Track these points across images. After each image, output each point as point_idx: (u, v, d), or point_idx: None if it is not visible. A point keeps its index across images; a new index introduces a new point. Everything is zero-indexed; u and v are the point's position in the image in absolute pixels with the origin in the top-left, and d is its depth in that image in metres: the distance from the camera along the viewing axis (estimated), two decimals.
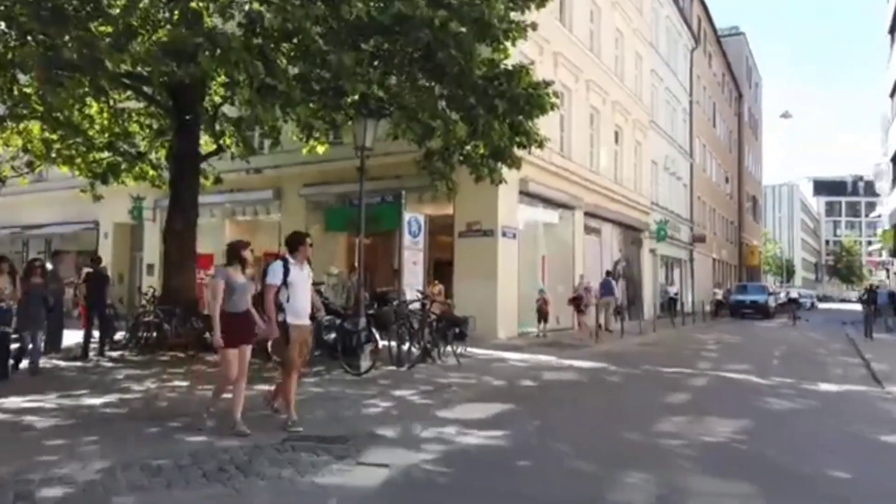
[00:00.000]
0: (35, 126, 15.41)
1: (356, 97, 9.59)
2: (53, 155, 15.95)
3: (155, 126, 16.21)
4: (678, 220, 31.83)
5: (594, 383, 9.97)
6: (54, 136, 15.17)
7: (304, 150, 15.74)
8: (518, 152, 12.59)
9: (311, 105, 8.99)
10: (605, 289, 17.93)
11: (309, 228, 18.64)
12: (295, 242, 6.20)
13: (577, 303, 16.65)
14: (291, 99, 8.75)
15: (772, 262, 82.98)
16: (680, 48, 33.59)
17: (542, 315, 16.41)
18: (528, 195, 17.14)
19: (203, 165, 15.87)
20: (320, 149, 15.58)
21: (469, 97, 10.35)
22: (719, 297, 32.40)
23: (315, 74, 9.21)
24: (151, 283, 19.00)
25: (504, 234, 15.89)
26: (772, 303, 34.17)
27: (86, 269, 12.33)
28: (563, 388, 9.51)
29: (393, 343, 10.23)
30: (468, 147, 12.67)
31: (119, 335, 13.78)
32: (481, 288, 15.16)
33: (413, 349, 10.43)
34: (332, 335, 10.55)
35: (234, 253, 6.07)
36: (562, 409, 7.86)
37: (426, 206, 14.85)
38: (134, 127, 16.48)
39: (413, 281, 11.41)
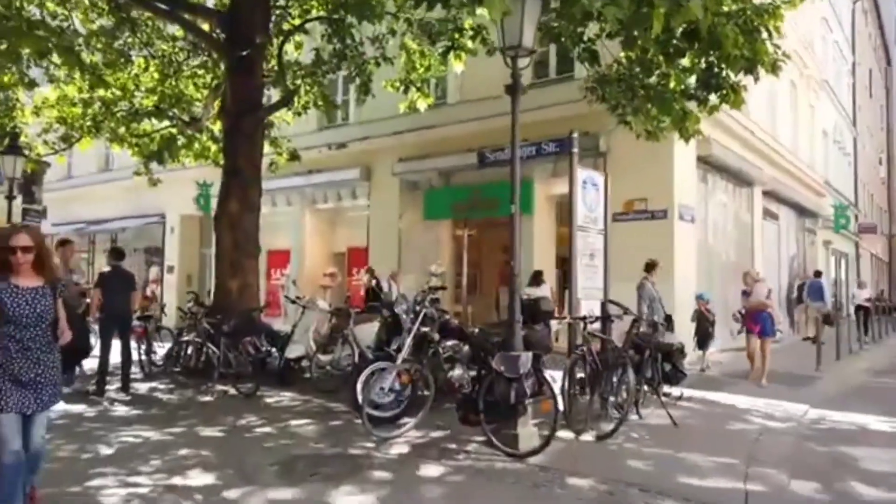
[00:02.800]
0: (70, 87, 12.25)
1: None
2: (89, 124, 12.70)
3: (212, 84, 12.67)
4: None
5: None
6: (81, 92, 11.87)
7: (402, 105, 11.70)
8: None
9: None
10: (815, 292, 12.82)
11: (402, 216, 14.71)
12: None
13: (752, 319, 9.61)
14: None
15: None
16: None
17: (703, 332, 10.61)
18: (706, 163, 12.35)
19: (274, 134, 12.18)
20: (422, 104, 11.54)
21: None
22: None
23: None
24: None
25: (682, 217, 11.17)
26: None
27: (102, 269, 8.68)
28: None
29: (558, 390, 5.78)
30: (657, 74, 8.19)
31: (160, 352, 10.21)
32: None
33: (602, 402, 6.02)
34: (459, 372, 6.25)
35: None
36: None
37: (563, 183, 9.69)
38: (189, 88, 13.02)
39: (588, 286, 6.86)
